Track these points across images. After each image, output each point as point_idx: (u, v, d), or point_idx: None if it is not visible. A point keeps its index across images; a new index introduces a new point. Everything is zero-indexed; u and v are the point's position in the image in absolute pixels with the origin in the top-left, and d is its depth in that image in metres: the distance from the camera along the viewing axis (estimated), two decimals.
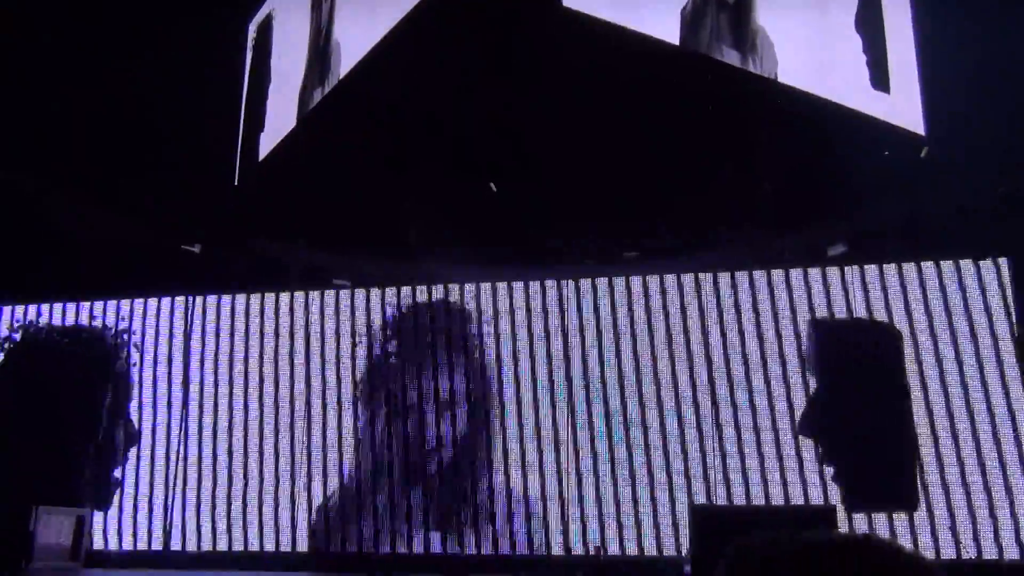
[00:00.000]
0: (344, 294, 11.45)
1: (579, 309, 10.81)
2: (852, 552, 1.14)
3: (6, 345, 11.99)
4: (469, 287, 11.15)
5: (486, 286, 11.10)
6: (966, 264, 10.08)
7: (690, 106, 9.80)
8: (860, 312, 10.13)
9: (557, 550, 10.11)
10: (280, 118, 11.31)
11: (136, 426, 11.43)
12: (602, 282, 10.89)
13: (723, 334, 10.39)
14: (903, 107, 9.57)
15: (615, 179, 10.31)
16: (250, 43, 11.86)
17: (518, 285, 11.03)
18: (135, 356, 11.68)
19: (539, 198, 10.67)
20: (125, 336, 11.75)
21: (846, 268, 10.31)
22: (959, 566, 9.04)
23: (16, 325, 12.05)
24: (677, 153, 10.04)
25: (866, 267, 10.27)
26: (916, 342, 9.91)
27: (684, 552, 9.40)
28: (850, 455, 9.61)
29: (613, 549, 9.95)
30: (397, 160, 10.78)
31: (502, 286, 11.06)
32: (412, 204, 10.88)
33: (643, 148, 10.11)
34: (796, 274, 10.42)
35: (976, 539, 9.25)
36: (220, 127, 11.63)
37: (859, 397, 9.67)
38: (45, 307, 12.11)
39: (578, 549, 10.02)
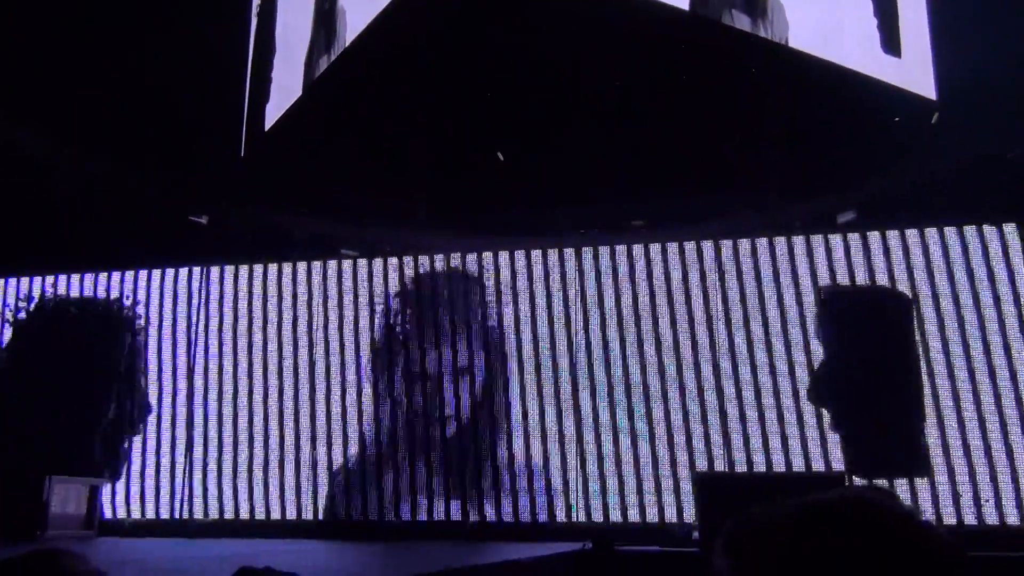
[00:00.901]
0: (352, 263, 11.42)
1: (581, 277, 10.77)
2: (847, 513, 1.11)
3: (18, 316, 12.00)
4: (478, 256, 11.11)
5: (491, 255, 11.06)
6: (973, 229, 9.99)
7: (699, 72, 9.72)
8: (870, 278, 10.10)
9: (565, 517, 10.15)
10: (286, 87, 11.25)
11: (147, 397, 11.47)
12: (611, 250, 10.83)
13: (724, 301, 10.36)
14: (915, 71, 9.51)
15: (623, 146, 10.25)
16: (254, 10, 11.77)
17: (522, 254, 10.98)
18: (148, 327, 11.69)
19: (547, 166, 10.62)
20: (136, 307, 11.75)
21: (856, 234, 10.24)
22: (960, 531, 9.03)
23: (27, 296, 12.06)
24: (686, 120, 9.99)
25: (876, 233, 10.20)
26: (925, 307, 9.87)
27: (693, 519, 9.42)
28: (860, 422, 9.61)
29: (621, 516, 9.98)
30: (404, 128, 10.73)
31: (505, 255, 11.00)
32: (419, 172, 10.84)
33: (651, 115, 10.05)
34: (804, 241, 10.34)
35: (977, 504, 9.27)
36: (226, 97, 11.57)
37: (869, 363, 9.66)
38: (55, 278, 12.10)
39: (587, 516, 10.06)
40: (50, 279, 12.07)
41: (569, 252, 10.88)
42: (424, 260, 11.22)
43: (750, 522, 1.14)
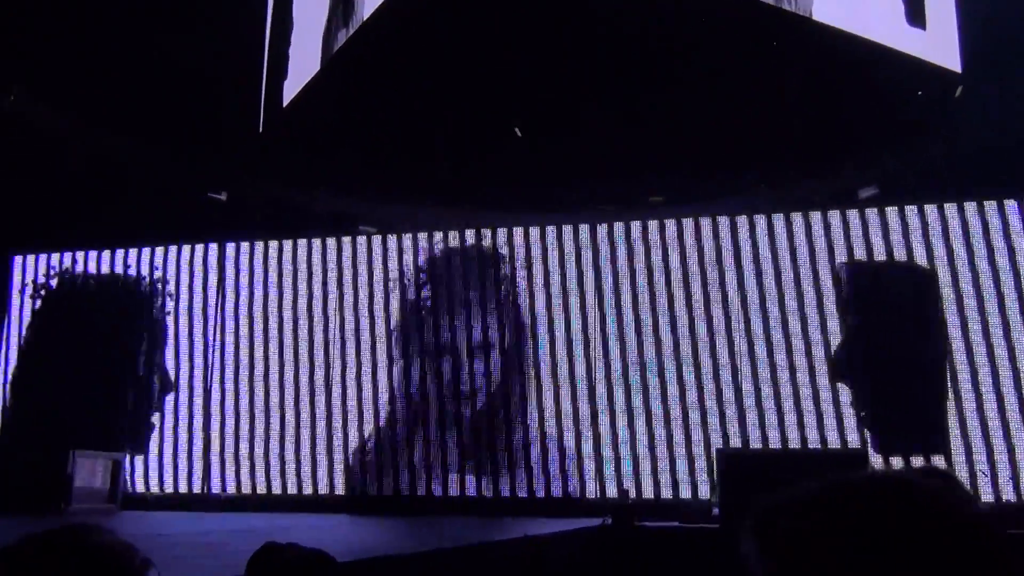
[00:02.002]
0: (372, 239, 11.43)
1: (595, 252, 10.75)
2: (886, 495, 1.07)
3: (42, 292, 12.11)
4: (498, 231, 11.10)
5: (515, 230, 11.05)
6: (993, 205, 9.87)
7: (722, 46, 9.61)
8: (887, 254, 10.01)
9: (588, 493, 10.20)
10: (304, 63, 11.20)
11: (170, 373, 11.55)
12: (626, 227, 10.79)
13: (739, 276, 10.31)
14: (939, 44, 9.36)
15: (642, 122, 10.17)
16: None
17: (537, 230, 10.97)
18: (169, 303, 11.77)
19: (565, 142, 10.55)
20: (159, 284, 11.82)
21: (874, 210, 10.14)
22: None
23: (52, 272, 12.16)
24: (707, 94, 9.89)
25: (894, 209, 10.10)
26: (943, 283, 9.78)
27: (713, 495, 9.42)
28: (881, 399, 9.56)
29: (643, 492, 10.01)
30: (422, 103, 10.68)
31: (520, 230, 10.99)
32: (437, 148, 10.80)
33: (672, 90, 9.95)
34: (826, 216, 10.26)
35: (994, 481, 9.23)
36: (244, 74, 11.55)
37: (891, 340, 9.60)
38: (81, 255, 12.19)
39: (609, 492, 10.09)
40: (80, 254, 12.16)
41: (584, 228, 10.85)
42: (441, 236, 11.22)
43: (779, 503, 1.09)
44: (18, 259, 12.34)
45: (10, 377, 12.00)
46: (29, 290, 12.16)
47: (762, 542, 1.08)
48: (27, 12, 10.44)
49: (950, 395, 9.43)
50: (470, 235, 11.17)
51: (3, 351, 12.10)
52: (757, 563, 1.08)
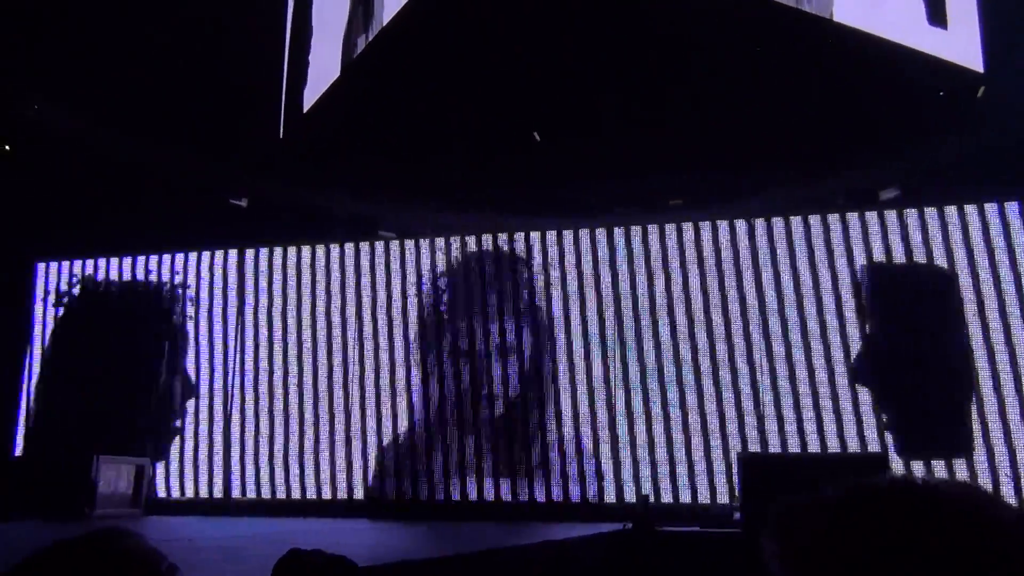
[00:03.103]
0: (392, 244, 11.46)
1: (612, 255, 10.72)
2: (905, 498, 1.07)
3: (65, 299, 12.23)
4: (517, 236, 11.10)
5: (532, 235, 11.04)
6: (1015, 206, 9.76)
7: (740, 47, 9.59)
8: (914, 256, 9.93)
9: (609, 498, 10.17)
10: (324, 68, 11.27)
11: (192, 379, 11.63)
12: (643, 229, 10.76)
13: (757, 279, 10.25)
14: (961, 43, 9.30)
15: (660, 123, 10.15)
16: None
17: (566, 234, 10.94)
18: (190, 309, 11.85)
19: (584, 146, 10.55)
20: (181, 290, 11.91)
21: (893, 212, 10.06)
22: None
23: (75, 280, 12.28)
24: (726, 95, 9.86)
25: (920, 210, 10.02)
26: (963, 286, 9.68)
27: (734, 499, 9.37)
28: (905, 402, 9.49)
29: (662, 496, 9.97)
30: (441, 107, 10.71)
31: (551, 234, 10.97)
32: (457, 152, 10.83)
33: (692, 91, 9.94)
34: (844, 218, 10.18)
35: (1017, 485, 9.12)
36: (264, 79, 11.63)
37: (914, 343, 9.53)
38: (101, 261, 12.30)
39: (627, 496, 10.06)
40: (101, 261, 12.28)
41: (601, 232, 10.82)
42: (459, 240, 11.24)
43: (802, 504, 1.11)
44: (41, 267, 12.47)
45: (35, 384, 12.12)
46: (52, 297, 12.29)
47: (784, 543, 1.09)
48: (49, 20, 10.56)
49: (972, 398, 9.34)
50: (488, 239, 11.18)
51: (27, 358, 12.22)
52: (778, 564, 1.09)
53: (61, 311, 12.22)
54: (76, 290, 12.25)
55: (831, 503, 1.08)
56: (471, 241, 11.22)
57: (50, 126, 10.77)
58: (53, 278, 12.40)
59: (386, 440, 10.98)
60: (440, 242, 11.32)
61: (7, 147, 11.26)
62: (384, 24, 10.18)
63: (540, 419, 10.53)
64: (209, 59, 10.85)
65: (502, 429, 10.66)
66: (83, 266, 12.35)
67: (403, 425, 11.00)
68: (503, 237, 11.12)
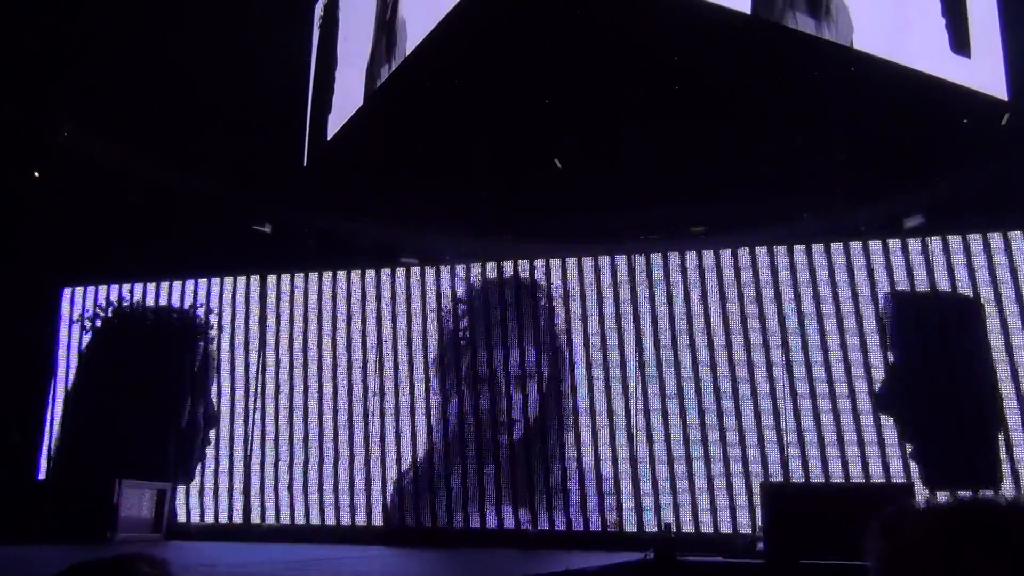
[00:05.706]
0: (413, 271, 11.50)
1: (633, 283, 10.69)
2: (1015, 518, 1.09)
3: (96, 323, 12.35)
4: (538, 263, 11.11)
5: (555, 262, 11.04)
6: None
7: (763, 76, 9.61)
8: (939, 284, 9.85)
9: (629, 527, 10.09)
10: (348, 97, 11.39)
11: (215, 405, 11.68)
12: (663, 256, 10.72)
13: (779, 307, 10.18)
14: (985, 71, 9.26)
15: (683, 151, 10.16)
16: (316, 22, 11.95)
17: (587, 261, 10.93)
18: (213, 334, 11.92)
19: (606, 173, 10.58)
20: (204, 315, 11.99)
21: (916, 240, 9.99)
22: None
23: (100, 305, 12.40)
24: (749, 124, 9.87)
25: (945, 238, 9.94)
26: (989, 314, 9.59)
27: (757, 529, 9.28)
28: (930, 431, 9.37)
29: (683, 526, 9.88)
30: (463, 136, 10.79)
31: (571, 261, 10.97)
32: (479, 180, 10.89)
33: (714, 119, 9.96)
34: (873, 246, 10.11)
35: None
36: (288, 108, 11.77)
37: (941, 371, 9.43)
38: (131, 286, 12.43)
39: (650, 526, 9.97)
40: (126, 287, 12.40)
41: (621, 260, 10.80)
42: (485, 267, 11.26)
43: (914, 508, 1.17)
44: (67, 292, 12.61)
45: (60, 408, 12.21)
46: (78, 322, 12.41)
47: (889, 540, 1.14)
48: (78, 47, 10.75)
49: (998, 427, 9.22)
50: (509, 265, 11.19)
51: (52, 382, 12.33)
52: (879, 561, 1.14)
53: (87, 336, 12.34)
54: (101, 315, 12.37)
55: (943, 511, 1.14)
56: (491, 268, 11.23)
57: (78, 153, 10.93)
58: (79, 303, 12.53)
59: (404, 466, 10.96)
60: (460, 269, 11.34)
61: (36, 174, 11.43)
62: (407, 54, 10.29)
63: (559, 445, 10.49)
64: (235, 87, 10.99)
65: (520, 455, 10.62)
66: (108, 291, 12.48)
67: (421, 451, 10.99)
68: (524, 263, 11.13)
